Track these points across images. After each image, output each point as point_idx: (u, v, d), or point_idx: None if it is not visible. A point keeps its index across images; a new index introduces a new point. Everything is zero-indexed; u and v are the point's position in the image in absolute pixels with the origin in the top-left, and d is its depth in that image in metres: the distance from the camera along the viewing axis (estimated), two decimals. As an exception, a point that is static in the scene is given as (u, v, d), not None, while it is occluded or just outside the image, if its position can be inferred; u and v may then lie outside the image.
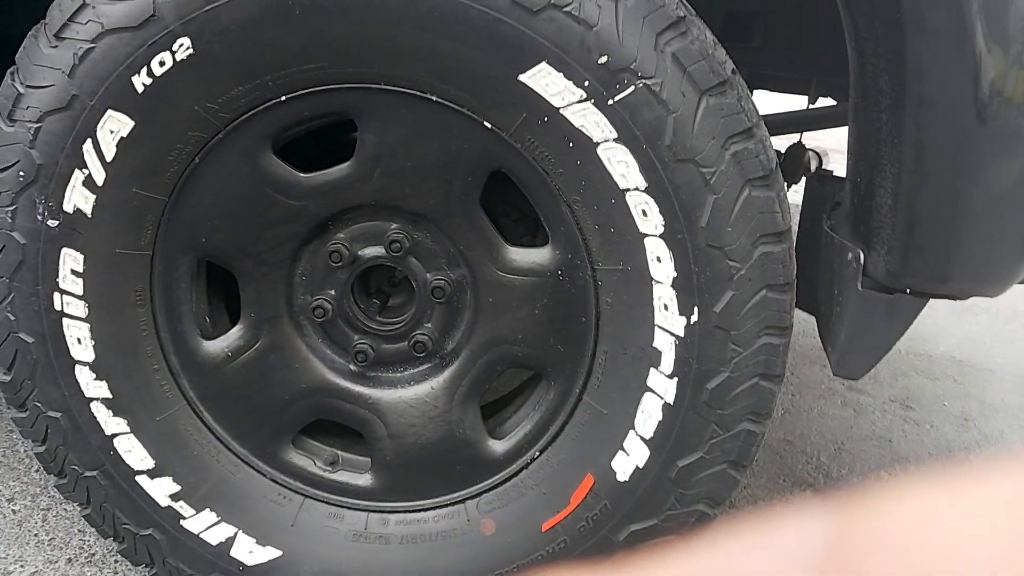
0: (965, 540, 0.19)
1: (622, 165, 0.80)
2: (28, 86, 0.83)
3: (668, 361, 0.86)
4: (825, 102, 1.69)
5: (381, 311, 0.98)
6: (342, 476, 1.01)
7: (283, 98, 0.84)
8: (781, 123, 1.34)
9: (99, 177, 0.85)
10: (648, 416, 0.88)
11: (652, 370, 0.87)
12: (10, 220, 0.86)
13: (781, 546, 0.21)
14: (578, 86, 0.78)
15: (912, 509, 0.20)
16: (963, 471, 0.21)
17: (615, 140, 0.79)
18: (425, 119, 0.84)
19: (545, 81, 0.78)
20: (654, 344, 0.86)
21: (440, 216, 0.90)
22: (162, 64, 0.80)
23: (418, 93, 0.83)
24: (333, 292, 0.95)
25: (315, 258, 0.94)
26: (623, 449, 0.90)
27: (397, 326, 0.97)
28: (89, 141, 0.83)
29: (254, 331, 0.96)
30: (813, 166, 1.69)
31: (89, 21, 0.80)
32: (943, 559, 0.19)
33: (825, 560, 0.20)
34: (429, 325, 0.96)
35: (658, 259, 0.83)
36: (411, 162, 0.87)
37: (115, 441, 0.94)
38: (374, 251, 0.93)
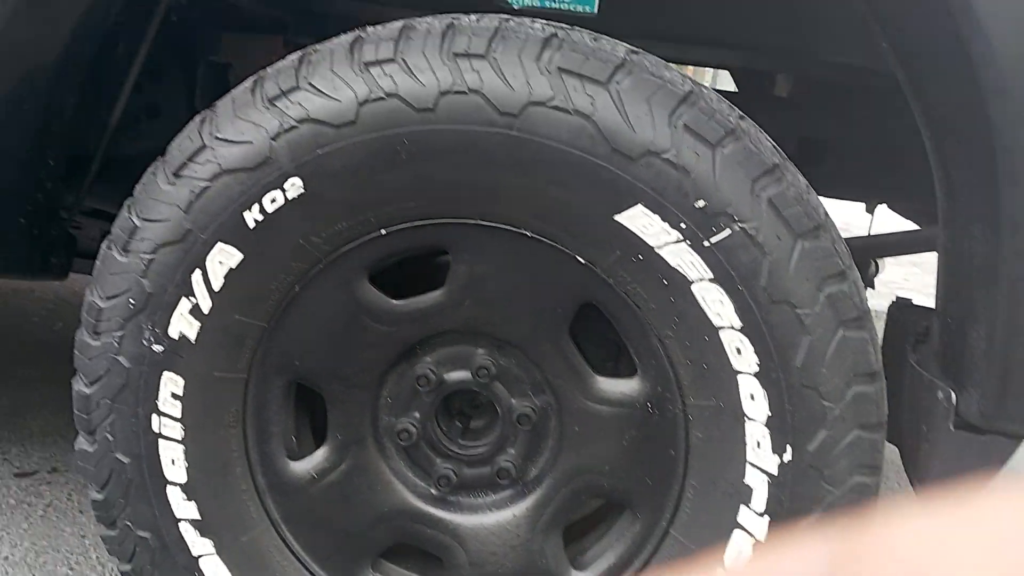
0: (970, 559, 0.19)
1: (717, 304, 0.82)
2: (144, 219, 0.87)
3: (760, 499, 0.85)
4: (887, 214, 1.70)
5: (463, 434, 0.99)
6: (421, 601, 1.00)
7: (382, 232, 0.87)
8: (861, 247, 1.35)
9: (205, 305, 0.88)
10: (739, 553, 0.87)
11: (743, 507, 0.86)
12: (117, 345, 0.89)
13: (784, 570, 0.21)
14: (674, 228, 0.80)
15: (916, 529, 0.20)
16: (968, 491, 0.21)
17: (710, 280, 0.81)
18: (518, 252, 0.87)
19: (641, 222, 0.81)
20: (745, 481, 0.86)
21: (528, 344, 0.91)
22: (273, 201, 0.84)
23: (513, 228, 0.86)
24: (418, 415, 0.96)
25: (401, 381, 0.96)
26: (711, 586, 0.88)
27: (480, 451, 0.97)
28: (199, 271, 0.87)
29: (339, 453, 0.97)
30: (870, 273, 1.69)
31: (208, 162, 0.84)
32: None
33: None
34: (513, 451, 0.96)
35: (752, 397, 0.84)
36: (502, 292, 0.90)
37: (201, 562, 0.95)
38: (460, 376, 0.94)
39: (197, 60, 1.18)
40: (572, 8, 1.13)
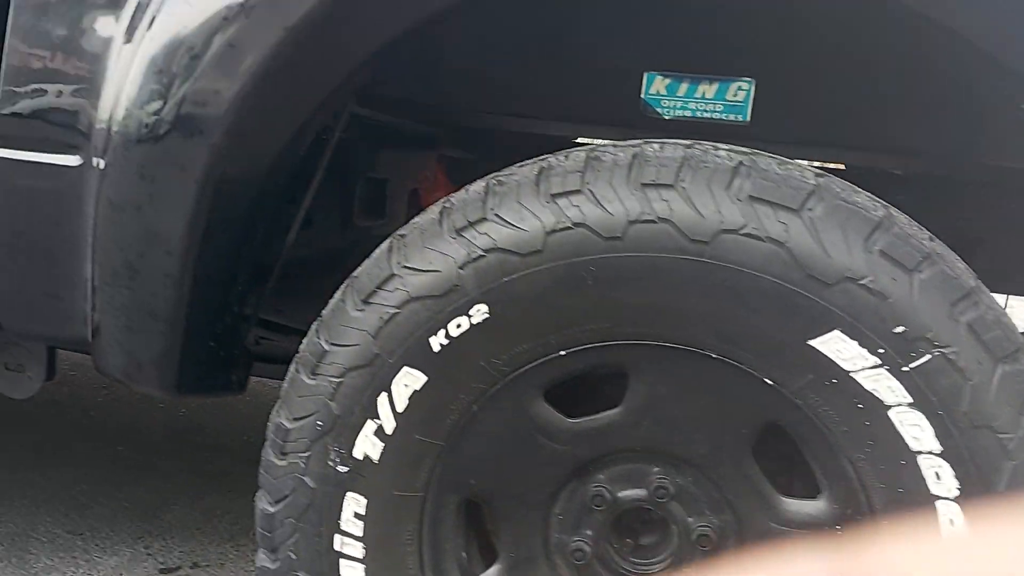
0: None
1: (915, 428, 0.80)
2: (333, 344, 0.90)
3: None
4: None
5: (634, 552, 0.98)
6: None
7: (562, 353, 0.88)
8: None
9: (389, 427, 0.90)
10: None
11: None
12: (303, 465, 0.91)
13: None
14: (872, 353, 0.79)
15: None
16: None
17: (909, 404, 0.79)
18: (701, 373, 0.87)
19: (837, 347, 0.80)
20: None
21: (708, 464, 0.90)
22: (459, 326, 0.86)
23: (697, 350, 0.86)
24: (590, 533, 0.96)
25: (574, 499, 0.95)
26: None
27: (652, 569, 0.96)
28: (384, 394, 0.89)
29: (511, 572, 0.97)
30: None
31: (396, 289, 0.87)
32: None
33: None
34: (688, 570, 0.95)
35: (951, 522, 0.81)
36: (682, 412, 0.89)
37: None
38: (635, 494, 0.94)
39: (355, 176, 1.23)
40: (724, 117, 1.14)
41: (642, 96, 1.15)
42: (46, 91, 0.93)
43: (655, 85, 1.15)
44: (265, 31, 0.85)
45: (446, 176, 1.23)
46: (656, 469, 0.93)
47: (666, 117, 1.16)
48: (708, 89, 1.14)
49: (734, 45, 1.12)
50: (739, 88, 1.13)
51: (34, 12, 0.94)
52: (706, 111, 1.15)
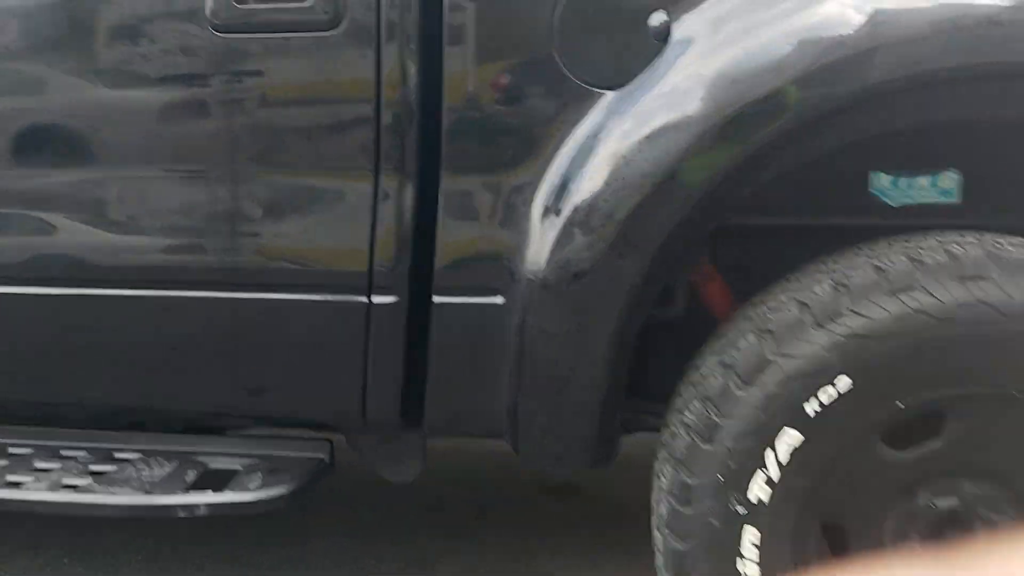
0: None
1: None
2: (723, 417, 1.20)
3: None
4: None
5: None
6: None
7: (900, 406, 1.19)
8: None
9: (775, 475, 1.19)
10: None
11: None
12: (707, 510, 1.21)
13: None
14: None
15: None
16: None
17: None
18: (1004, 412, 1.17)
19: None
20: None
21: (1006, 474, 1.21)
22: (827, 395, 1.17)
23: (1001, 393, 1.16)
24: (916, 536, 1.25)
25: (903, 511, 1.25)
26: None
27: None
28: (770, 450, 1.19)
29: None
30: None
31: (775, 372, 1.18)
32: None
33: None
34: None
35: None
36: (990, 440, 1.20)
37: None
38: (951, 502, 1.24)
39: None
40: (939, 199, 1.45)
41: (870, 190, 1.46)
42: (479, 251, 1.25)
43: (880, 180, 1.46)
44: (669, 201, 1.17)
45: (714, 267, 1.53)
46: (967, 482, 1.23)
47: (893, 205, 1.47)
48: (923, 180, 1.45)
49: (944, 149, 1.42)
50: (948, 178, 1.45)
51: (462, 197, 1.25)
52: (924, 197, 1.46)
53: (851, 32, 1.17)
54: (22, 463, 1.42)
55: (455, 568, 1.90)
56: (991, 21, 1.17)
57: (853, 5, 1.18)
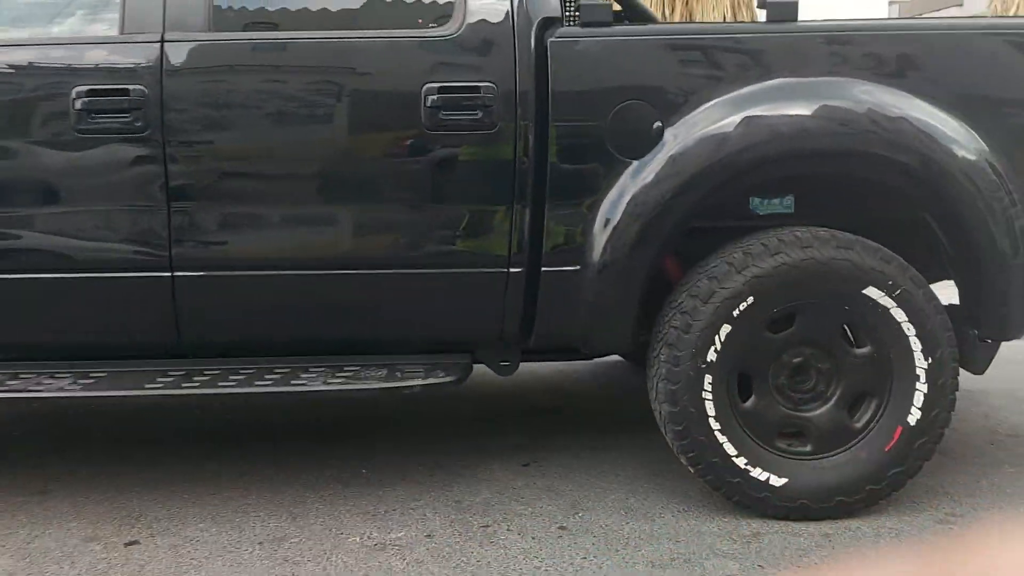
0: None
1: None
2: (693, 319, 2.45)
3: None
4: None
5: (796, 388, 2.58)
6: None
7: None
8: None
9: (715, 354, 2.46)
10: None
11: None
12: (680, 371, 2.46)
13: None
14: None
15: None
16: None
17: None
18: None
19: None
20: None
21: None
22: (743, 306, 2.44)
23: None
24: (783, 380, 2.55)
25: (777, 367, 2.55)
26: None
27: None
28: (721, 330, 2.45)
29: (756, 401, 2.55)
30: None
31: (717, 296, 2.43)
32: None
33: None
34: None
35: None
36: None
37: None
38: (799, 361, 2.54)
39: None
40: (783, 211, 2.77)
41: (750, 207, 2.76)
42: (568, 243, 2.43)
43: (754, 202, 2.77)
44: (662, 219, 2.41)
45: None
46: (806, 347, 2.52)
47: (761, 214, 2.77)
48: (776, 201, 2.78)
49: (784, 186, 2.74)
50: (788, 200, 2.77)
51: (558, 214, 2.44)
52: (775, 210, 2.77)
53: (736, 132, 2.43)
54: (319, 374, 2.46)
55: (469, 458, 3.07)
56: (801, 128, 2.46)
57: (736, 120, 2.43)
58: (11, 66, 2.37)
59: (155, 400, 2.60)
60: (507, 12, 2.39)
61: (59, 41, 2.40)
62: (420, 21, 2.52)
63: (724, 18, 9.62)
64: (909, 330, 2.38)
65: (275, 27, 2.48)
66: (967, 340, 2.52)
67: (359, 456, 2.96)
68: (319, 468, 2.85)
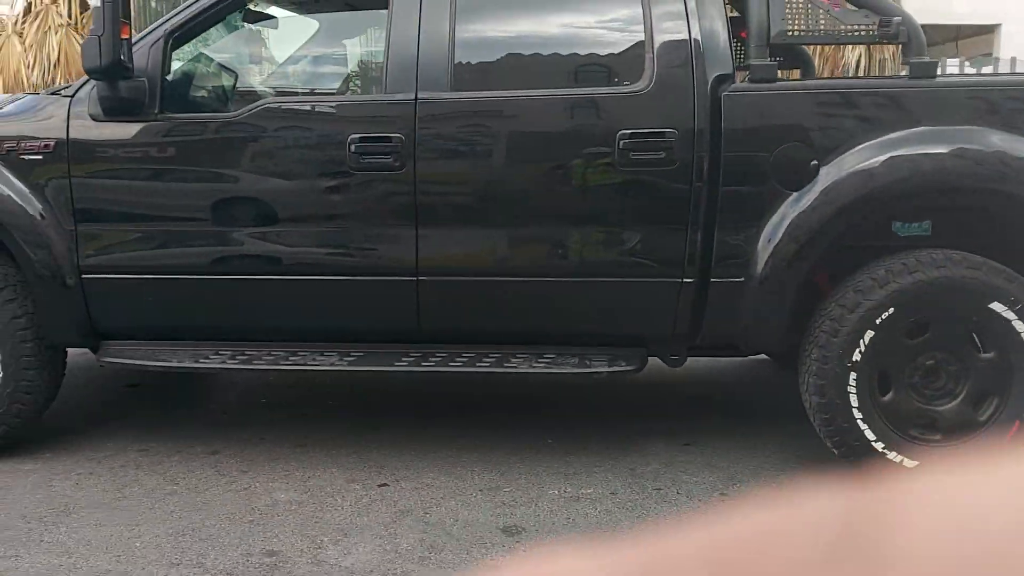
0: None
1: None
2: (841, 325, 2.92)
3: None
4: None
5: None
6: None
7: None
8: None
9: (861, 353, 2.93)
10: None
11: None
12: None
13: (796, 521, 0.21)
14: None
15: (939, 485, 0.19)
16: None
17: None
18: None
19: None
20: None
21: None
22: (884, 316, 2.90)
23: (951, 314, 2.91)
24: (916, 380, 2.99)
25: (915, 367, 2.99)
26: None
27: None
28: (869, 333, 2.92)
29: (895, 396, 3.00)
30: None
31: (863, 306, 2.91)
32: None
33: (841, 536, 0.20)
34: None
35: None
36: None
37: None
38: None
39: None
40: (921, 233, 3.20)
41: (892, 229, 3.20)
42: (734, 258, 2.96)
43: (896, 225, 3.21)
44: (817, 241, 2.90)
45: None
46: (937, 352, 2.95)
47: (901, 235, 3.21)
48: (915, 225, 3.21)
49: (926, 212, 3.17)
50: (926, 224, 3.20)
51: (727, 234, 2.97)
52: (915, 232, 3.20)
53: (882, 169, 2.89)
54: (524, 359, 3.10)
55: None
56: (938, 165, 2.89)
57: (882, 159, 2.89)
58: (306, 116, 3.10)
59: (379, 375, 3.29)
60: (687, 72, 2.94)
61: (341, 101, 3.11)
62: (616, 80, 3.10)
63: (860, 56, 9.81)
64: (1029, 339, 2.79)
65: (502, 86, 3.11)
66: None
67: (544, 428, 3.58)
68: (515, 436, 3.49)
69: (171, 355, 3.18)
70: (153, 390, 4.17)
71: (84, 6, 11.05)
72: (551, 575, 0.22)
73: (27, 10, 11.04)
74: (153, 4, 17.62)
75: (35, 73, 10.50)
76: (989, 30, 17.17)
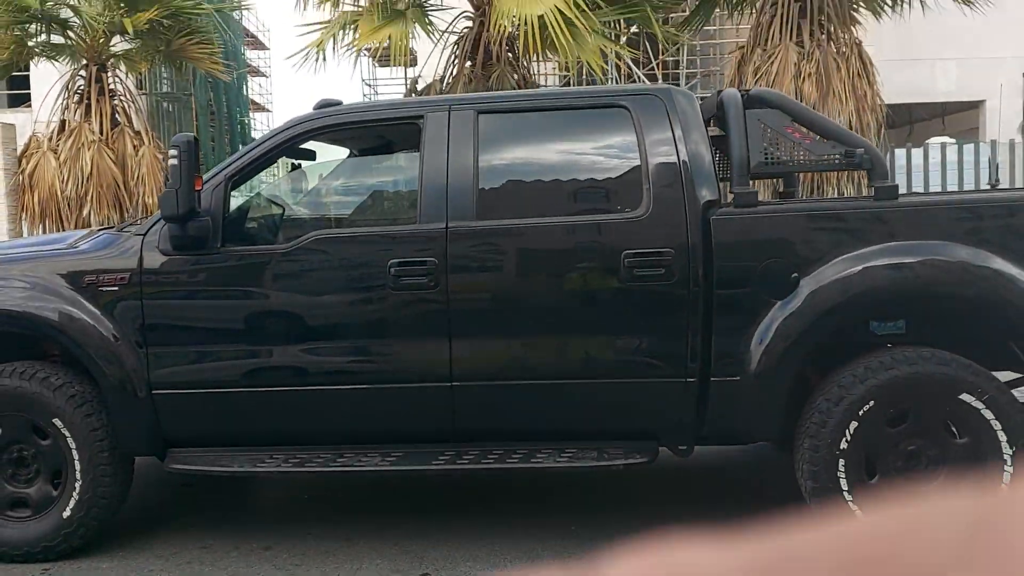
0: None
1: None
2: (828, 418, 3.29)
3: None
4: None
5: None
6: None
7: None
8: None
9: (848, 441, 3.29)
10: None
11: None
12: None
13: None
14: None
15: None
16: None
17: None
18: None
19: None
20: None
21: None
22: (865, 408, 3.27)
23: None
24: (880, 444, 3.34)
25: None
26: None
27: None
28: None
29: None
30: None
31: (846, 400, 3.28)
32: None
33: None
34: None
35: None
36: (923, 421, 3.31)
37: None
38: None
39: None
40: (896, 332, 3.59)
41: (870, 328, 3.60)
42: (729, 359, 3.35)
43: (873, 324, 3.61)
44: (801, 343, 3.30)
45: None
46: (918, 439, 3.31)
47: (879, 334, 3.60)
48: (890, 323, 3.61)
49: (898, 311, 3.57)
50: (899, 323, 3.60)
51: (722, 337, 3.37)
52: (890, 331, 3.60)
53: (857, 279, 3.31)
54: (549, 455, 3.46)
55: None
56: (909, 273, 3.31)
57: (857, 270, 3.32)
58: (351, 244, 3.56)
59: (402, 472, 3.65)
60: (680, 200, 3.39)
61: (383, 231, 3.58)
62: (619, 207, 3.55)
63: (850, 118, 10.33)
64: (996, 425, 3.15)
65: (520, 215, 3.57)
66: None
67: (566, 516, 3.91)
68: (542, 524, 3.82)
69: (231, 460, 3.55)
70: (206, 490, 4.52)
71: (115, 122, 11.78)
72: (676, 564, 0.23)
73: (61, 127, 11.77)
74: (167, 105, 18.31)
75: (69, 187, 11.13)
76: (974, 106, 17.91)
